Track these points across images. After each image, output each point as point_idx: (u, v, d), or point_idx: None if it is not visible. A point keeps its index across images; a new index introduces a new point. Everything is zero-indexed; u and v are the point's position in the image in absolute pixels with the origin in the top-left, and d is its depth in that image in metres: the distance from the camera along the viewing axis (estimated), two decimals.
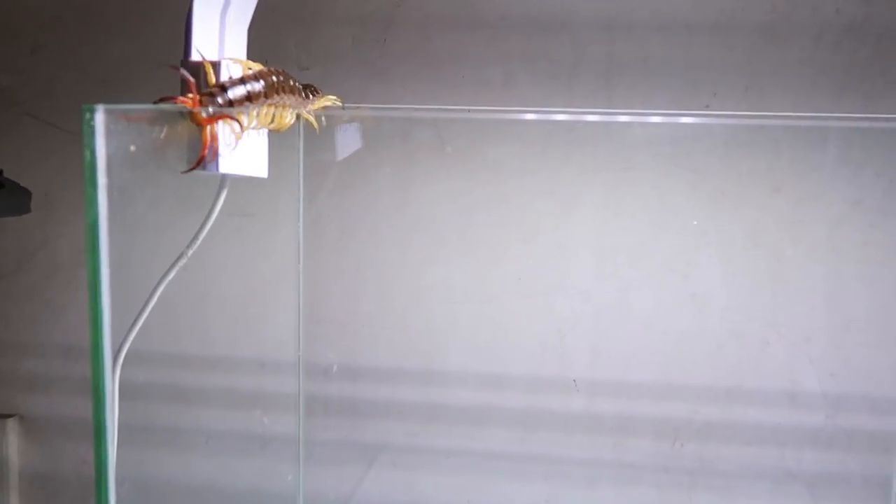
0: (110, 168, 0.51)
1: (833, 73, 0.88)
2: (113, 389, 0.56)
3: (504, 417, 0.94)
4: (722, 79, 0.89)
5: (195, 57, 0.61)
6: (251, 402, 0.92)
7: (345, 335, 0.94)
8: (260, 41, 0.66)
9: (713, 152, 0.89)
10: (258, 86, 0.62)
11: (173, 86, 0.96)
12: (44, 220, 0.99)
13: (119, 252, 0.52)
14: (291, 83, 0.65)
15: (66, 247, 1.01)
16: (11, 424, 1.03)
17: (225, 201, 0.64)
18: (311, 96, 0.69)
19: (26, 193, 0.91)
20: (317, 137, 0.76)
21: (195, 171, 0.60)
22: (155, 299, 0.61)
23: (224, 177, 0.65)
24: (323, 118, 0.71)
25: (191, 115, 0.58)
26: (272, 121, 0.64)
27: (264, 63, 0.64)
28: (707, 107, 0.89)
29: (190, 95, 0.58)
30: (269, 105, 0.63)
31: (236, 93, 0.60)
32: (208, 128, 0.59)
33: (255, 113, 0.62)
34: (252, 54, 0.65)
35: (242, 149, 0.63)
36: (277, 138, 0.68)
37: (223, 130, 0.60)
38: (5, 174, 0.94)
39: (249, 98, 0.61)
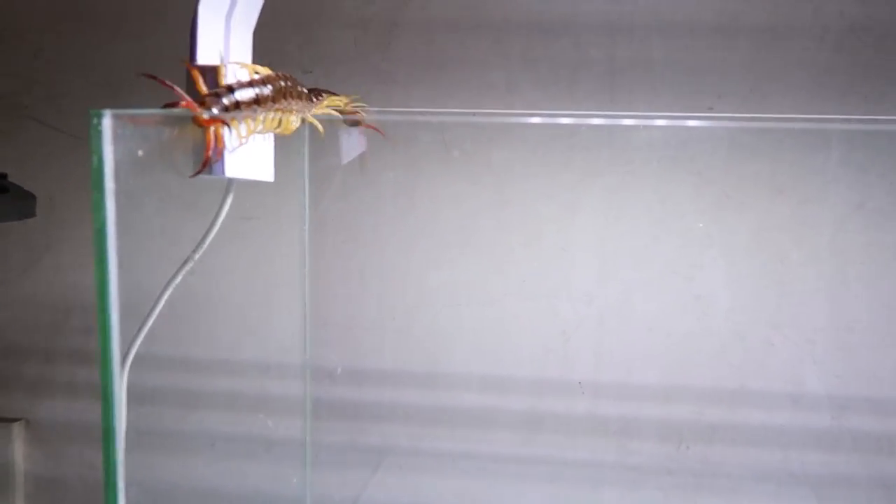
0: (117, 173, 0.51)
1: (836, 75, 0.88)
2: (120, 393, 0.56)
3: (508, 420, 0.95)
4: (725, 81, 0.89)
5: (201, 60, 0.61)
6: (257, 406, 0.92)
7: (349, 338, 0.94)
8: (262, 44, 0.67)
9: (716, 155, 0.89)
10: (266, 90, 0.62)
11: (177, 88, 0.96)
12: (48, 224, 0.99)
13: (126, 256, 0.52)
14: (298, 88, 0.66)
15: (71, 251, 1.02)
16: (17, 429, 1.03)
17: (231, 205, 0.65)
18: (315, 100, 0.69)
19: (31, 197, 0.91)
20: (322, 141, 0.77)
21: (202, 175, 0.60)
22: (162, 303, 0.61)
23: (230, 181, 0.65)
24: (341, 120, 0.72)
25: (194, 118, 0.58)
26: (278, 125, 0.65)
27: (270, 67, 0.65)
28: (710, 109, 0.90)
29: (194, 98, 0.58)
30: (276, 109, 0.64)
31: (243, 96, 0.60)
32: (212, 130, 0.59)
33: (261, 117, 0.62)
34: (254, 57, 0.66)
35: (248, 153, 0.64)
36: (282, 142, 0.69)
37: (228, 133, 0.60)
38: (10, 178, 0.94)
39: (257, 101, 0.61)
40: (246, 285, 0.87)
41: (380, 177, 0.92)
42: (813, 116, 0.88)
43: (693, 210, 0.90)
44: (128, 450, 0.57)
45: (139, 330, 0.59)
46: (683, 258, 0.91)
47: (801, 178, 0.89)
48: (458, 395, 0.95)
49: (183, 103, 0.57)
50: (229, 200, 0.65)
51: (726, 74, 0.89)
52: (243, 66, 0.63)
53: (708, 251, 0.90)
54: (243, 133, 0.61)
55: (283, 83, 0.64)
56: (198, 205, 0.64)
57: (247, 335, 0.88)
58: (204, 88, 0.59)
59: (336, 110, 0.72)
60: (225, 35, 0.63)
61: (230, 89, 0.60)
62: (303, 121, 0.68)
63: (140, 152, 0.51)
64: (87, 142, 0.51)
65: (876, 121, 0.88)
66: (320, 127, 0.71)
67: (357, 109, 0.77)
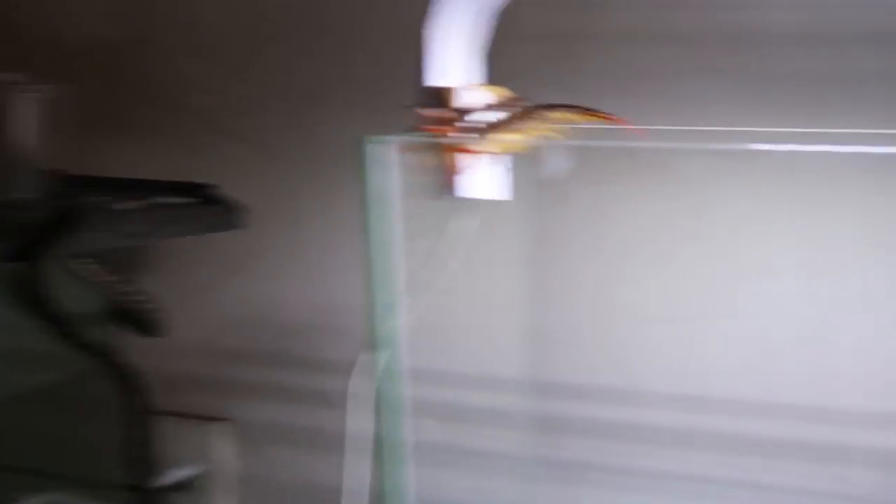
0: (380, 195, 0.54)
1: None
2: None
3: (706, 440, 0.93)
4: None
5: (435, 82, 0.63)
6: (480, 418, 0.92)
7: (571, 354, 0.94)
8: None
9: None
10: (506, 110, 0.63)
11: (374, 108, 0.99)
12: (246, 234, 1.02)
13: (385, 273, 0.54)
14: (534, 107, 0.66)
15: (268, 260, 1.06)
16: (223, 428, 1.09)
17: (466, 223, 0.66)
18: (549, 115, 0.69)
19: (240, 209, 0.96)
20: (536, 160, 0.77)
21: (443, 196, 0.61)
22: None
23: (469, 200, 0.67)
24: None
25: (443, 144, 0.59)
26: (516, 145, 0.65)
27: (505, 87, 0.66)
28: None
29: (438, 124, 0.59)
30: (515, 130, 0.64)
31: (486, 118, 0.61)
32: (457, 154, 0.61)
33: (500, 138, 0.63)
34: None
35: (485, 172, 0.65)
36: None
37: (469, 156, 0.62)
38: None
39: (498, 123, 0.62)
40: (472, 299, 0.88)
41: (582, 193, 0.92)
42: None
43: None
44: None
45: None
46: (889, 279, 0.87)
47: None
48: (655, 413, 0.94)
49: (431, 128, 0.59)
50: (469, 219, 0.66)
51: None
52: (480, 87, 0.64)
53: None
54: (484, 154, 0.62)
55: (520, 103, 0.65)
56: (435, 224, 0.66)
57: (470, 348, 0.89)
58: (444, 112, 0.61)
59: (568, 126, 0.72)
60: (460, 56, 0.65)
61: (471, 111, 0.62)
62: (536, 138, 0.69)
63: (405, 175, 0.53)
64: (342, 165, 0.54)
65: None
66: (546, 147, 0.72)
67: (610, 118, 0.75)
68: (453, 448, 0.69)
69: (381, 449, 0.55)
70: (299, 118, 1.03)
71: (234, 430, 1.10)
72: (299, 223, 1.04)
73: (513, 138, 0.65)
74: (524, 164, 0.78)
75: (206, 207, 0.95)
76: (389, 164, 0.54)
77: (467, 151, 0.60)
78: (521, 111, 0.65)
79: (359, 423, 0.69)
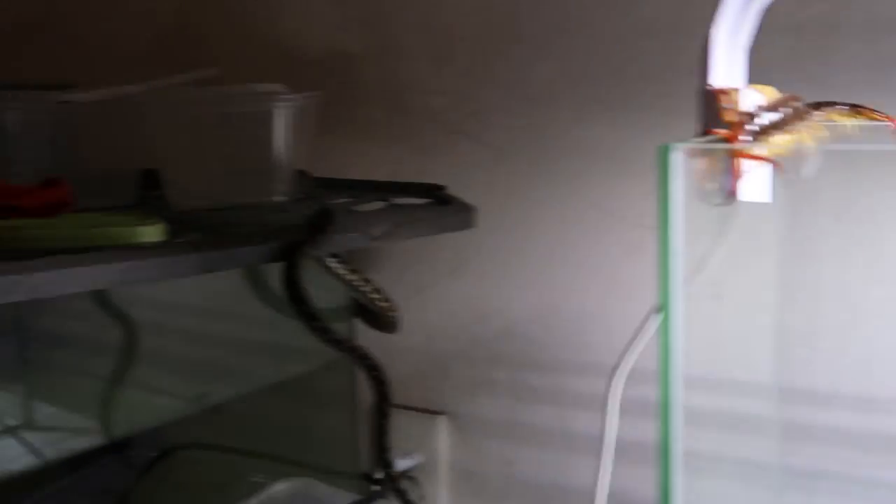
0: (670, 201, 0.53)
1: None
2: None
3: None
4: None
5: (716, 85, 0.61)
6: (729, 424, 0.90)
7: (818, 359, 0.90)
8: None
9: None
10: (785, 112, 0.61)
11: (609, 107, 0.98)
12: (472, 233, 1.03)
13: (673, 279, 0.53)
14: (806, 108, 0.64)
15: (492, 259, 1.08)
16: (442, 422, 1.12)
17: (738, 226, 0.64)
18: (815, 118, 0.67)
19: (471, 209, 0.97)
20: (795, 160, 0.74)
21: (723, 200, 0.60)
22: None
23: (743, 204, 0.65)
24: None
25: (728, 148, 0.58)
26: (787, 147, 0.63)
27: (779, 88, 0.63)
28: None
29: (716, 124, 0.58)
30: (788, 132, 0.62)
31: (770, 120, 0.59)
32: (740, 158, 0.59)
33: (776, 141, 0.61)
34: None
35: (758, 175, 0.63)
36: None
37: (752, 159, 0.60)
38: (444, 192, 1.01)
39: (779, 125, 0.60)
40: (725, 302, 0.87)
41: (834, 194, 0.88)
42: None
43: None
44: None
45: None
46: None
47: None
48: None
49: (722, 132, 0.57)
50: (741, 223, 0.64)
51: None
52: (756, 88, 0.62)
53: None
54: (764, 157, 0.60)
55: (797, 104, 0.62)
56: (713, 228, 0.65)
57: (717, 352, 0.88)
58: (729, 115, 0.59)
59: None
60: (736, 57, 0.63)
61: (754, 115, 0.60)
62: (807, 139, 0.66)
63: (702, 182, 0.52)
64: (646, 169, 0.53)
65: None
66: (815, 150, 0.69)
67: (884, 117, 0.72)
68: (693, 452, 0.68)
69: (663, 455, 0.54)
70: (532, 118, 1.03)
71: (453, 424, 1.12)
72: (528, 224, 1.05)
73: (786, 140, 0.63)
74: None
75: (439, 208, 0.98)
76: (679, 169, 0.53)
77: (750, 156, 0.58)
78: (795, 111, 0.63)
79: (612, 426, 0.68)
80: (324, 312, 0.80)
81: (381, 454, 0.92)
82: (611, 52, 0.99)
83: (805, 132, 0.63)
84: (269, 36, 1.19)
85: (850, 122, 0.69)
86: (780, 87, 0.69)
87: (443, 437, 1.12)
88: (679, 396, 0.54)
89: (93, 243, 0.69)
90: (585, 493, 0.72)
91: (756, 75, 0.70)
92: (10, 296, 0.59)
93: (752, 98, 0.62)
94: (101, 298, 0.83)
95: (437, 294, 1.12)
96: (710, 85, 0.60)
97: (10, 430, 0.77)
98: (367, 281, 0.91)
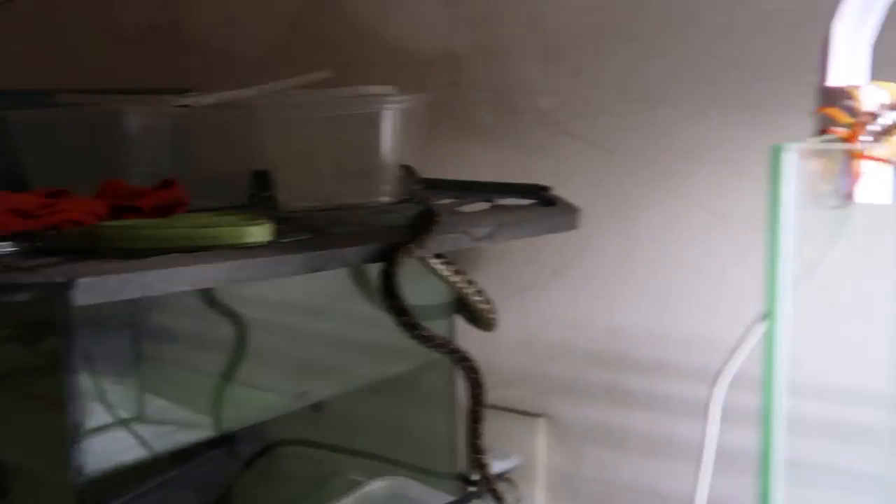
0: (783, 203, 0.51)
1: None
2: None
3: None
4: None
5: (836, 82, 0.59)
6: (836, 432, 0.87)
7: None
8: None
9: None
10: None
11: (722, 106, 0.95)
12: (578, 234, 1.02)
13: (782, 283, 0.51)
14: None
15: (596, 259, 1.06)
16: (541, 424, 1.11)
17: (856, 230, 0.61)
18: None
19: (576, 210, 0.96)
20: None
21: (842, 202, 0.57)
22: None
23: (863, 206, 0.62)
24: None
25: (847, 149, 0.55)
26: None
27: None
28: None
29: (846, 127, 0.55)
30: None
31: (888, 122, 0.56)
32: (860, 159, 0.56)
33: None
34: None
35: (881, 176, 0.60)
36: None
37: (872, 160, 0.57)
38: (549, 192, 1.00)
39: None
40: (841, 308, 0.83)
41: None
42: None
43: None
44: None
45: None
46: None
47: None
48: None
49: (841, 132, 0.55)
50: (859, 227, 0.61)
51: None
52: (880, 85, 0.59)
53: None
54: (886, 158, 0.57)
55: None
56: (829, 231, 0.62)
57: (833, 360, 0.84)
58: (848, 115, 0.57)
59: None
60: (861, 53, 0.60)
61: (876, 115, 0.57)
62: None
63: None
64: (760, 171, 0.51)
65: None
66: None
67: None
68: (800, 461, 0.65)
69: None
70: (640, 118, 1.01)
71: (552, 426, 1.11)
72: (633, 225, 1.03)
73: None
74: None
75: (544, 209, 0.97)
76: (791, 170, 0.50)
77: (871, 157, 0.55)
78: None
79: (714, 433, 0.66)
80: (418, 309, 0.80)
81: (476, 455, 0.92)
82: (723, 49, 0.96)
83: None
84: (380, 39, 1.21)
85: None
86: None
87: (541, 439, 1.11)
88: (782, 404, 0.51)
89: (203, 243, 0.70)
90: (684, 500, 0.71)
91: (880, 72, 0.66)
92: (122, 293, 0.61)
93: (875, 96, 0.59)
94: (209, 296, 0.86)
95: (540, 295, 1.11)
96: (830, 83, 0.57)
97: (123, 423, 0.80)
98: (470, 282, 0.91)
